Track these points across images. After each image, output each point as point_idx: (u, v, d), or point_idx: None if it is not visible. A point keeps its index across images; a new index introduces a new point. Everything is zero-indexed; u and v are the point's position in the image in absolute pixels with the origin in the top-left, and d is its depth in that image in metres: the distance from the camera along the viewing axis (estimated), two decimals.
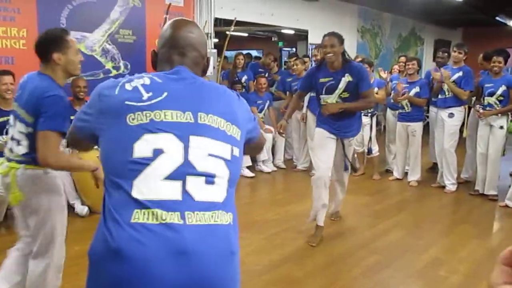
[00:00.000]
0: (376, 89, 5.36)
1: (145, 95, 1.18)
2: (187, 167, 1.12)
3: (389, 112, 5.83)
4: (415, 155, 5.28)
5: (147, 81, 1.22)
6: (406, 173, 5.48)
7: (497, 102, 4.59)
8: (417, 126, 5.20)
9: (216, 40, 6.37)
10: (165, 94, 1.19)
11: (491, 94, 4.62)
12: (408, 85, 5.17)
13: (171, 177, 1.11)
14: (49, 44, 2.03)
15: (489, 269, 2.42)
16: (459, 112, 4.95)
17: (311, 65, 5.74)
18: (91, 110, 1.25)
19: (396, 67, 6.30)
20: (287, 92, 6.02)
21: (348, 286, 2.82)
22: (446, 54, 5.33)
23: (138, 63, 4.99)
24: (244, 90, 5.97)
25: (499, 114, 4.61)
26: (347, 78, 3.30)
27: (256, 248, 3.33)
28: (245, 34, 11.23)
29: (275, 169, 5.87)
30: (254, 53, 10.29)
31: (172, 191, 1.10)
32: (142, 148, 1.13)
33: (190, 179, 1.12)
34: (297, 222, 3.94)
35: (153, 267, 1.05)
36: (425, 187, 5.24)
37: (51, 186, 2.12)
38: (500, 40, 9.52)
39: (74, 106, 4.13)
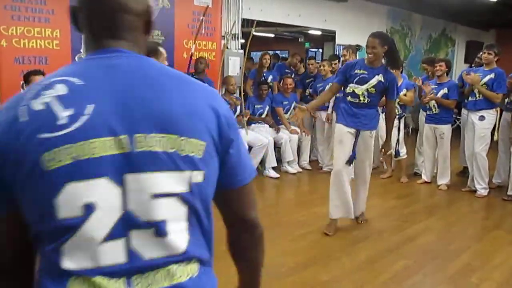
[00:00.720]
0: (404, 91, 5.26)
1: (63, 116, 0.79)
2: (128, 219, 0.82)
3: (421, 114, 5.70)
4: (443, 158, 5.15)
5: (63, 89, 0.82)
6: (434, 177, 5.35)
7: None
8: (445, 129, 5.07)
9: (243, 40, 6.38)
10: (91, 108, 0.81)
11: None
12: (436, 86, 5.06)
13: (110, 237, 0.82)
14: (148, 52, 2.32)
15: None
16: (490, 115, 4.80)
17: (340, 66, 5.69)
18: None
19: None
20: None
21: None
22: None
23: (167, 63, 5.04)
24: (270, 90, 5.97)
25: None
26: (379, 77, 3.51)
27: (281, 250, 3.31)
28: (272, 35, 11.23)
29: (300, 170, 5.82)
30: (281, 54, 10.29)
31: (113, 254, 0.82)
32: (67, 205, 0.79)
33: (134, 234, 0.83)
34: (323, 224, 3.89)
35: None
36: (455, 191, 5.11)
37: None
38: None
39: None
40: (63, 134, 0.78)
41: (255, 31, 5.61)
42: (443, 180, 5.18)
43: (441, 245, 3.53)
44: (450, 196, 4.99)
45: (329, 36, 8.02)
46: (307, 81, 6.31)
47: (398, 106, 5.32)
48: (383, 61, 3.60)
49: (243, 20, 6.02)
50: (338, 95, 4.46)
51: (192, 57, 4.82)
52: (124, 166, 0.81)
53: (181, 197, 0.85)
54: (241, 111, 5.43)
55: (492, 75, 4.71)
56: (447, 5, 8.05)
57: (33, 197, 0.80)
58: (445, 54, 10.60)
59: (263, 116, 5.81)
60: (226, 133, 0.91)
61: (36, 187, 0.79)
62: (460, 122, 5.91)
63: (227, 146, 0.92)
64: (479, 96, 4.80)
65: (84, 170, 0.79)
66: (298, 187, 5.55)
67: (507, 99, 5.07)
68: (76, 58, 4.40)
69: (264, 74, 6.12)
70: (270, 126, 5.79)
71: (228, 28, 5.74)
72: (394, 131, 5.32)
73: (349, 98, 3.60)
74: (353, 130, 3.60)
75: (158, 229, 0.84)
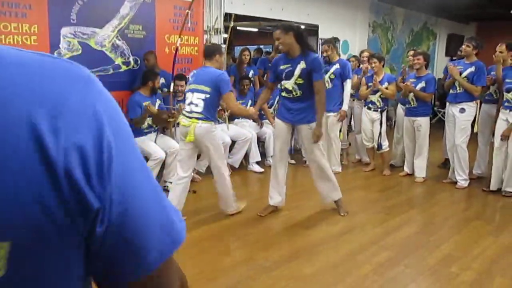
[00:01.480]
0: (386, 84, 5.31)
1: None
2: None
3: (399, 108, 5.77)
4: (420, 150, 5.22)
5: None
6: None
7: None
8: (423, 121, 5.14)
9: (226, 35, 6.34)
10: None
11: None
12: (415, 80, 5.11)
13: None
14: (215, 49, 3.71)
15: (503, 266, 2.38)
16: (470, 107, 4.88)
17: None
18: None
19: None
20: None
21: (358, 283, 2.79)
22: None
23: None
24: (252, 85, 5.96)
25: None
26: (302, 65, 3.56)
27: (265, 244, 3.32)
28: (255, 30, 11.19)
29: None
30: (265, 48, 10.25)
31: None
32: None
33: None
34: (307, 218, 3.92)
35: None
36: (437, 182, 5.19)
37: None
38: None
39: None
40: None
41: (238, 26, 5.59)
42: (420, 173, 5.25)
43: (422, 236, 3.58)
44: (431, 187, 5.06)
45: (312, 31, 8.04)
46: None
47: (380, 99, 5.37)
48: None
49: (226, 14, 5.99)
50: None
51: (178, 52, 4.75)
52: None
53: None
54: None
55: (472, 68, 4.78)
56: None
57: None
58: (426, 47, 10.72)
59: None
60: (91, 189, 0.46)
61: None
62: (442, 115, 6.00)
63: (93, 219, 0.47)
64: (459, 89, 4.86)
65: None
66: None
67: (488, 91, 5.16)
68: (55, 53, 4.33)
69: (246, 70, 6.11)
70: (254, 121, 5.78)
71: (211, 23, 5.70)
72: (376, 124, 5.40)
73: (283, 94, 3.75)
74: (289, 125, 3.78)
75: None
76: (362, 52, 6.08)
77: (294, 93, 3.66)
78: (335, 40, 5.47)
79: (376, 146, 5.51)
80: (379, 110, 5.40)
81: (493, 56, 4.90)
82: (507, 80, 4.62)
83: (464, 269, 2.98)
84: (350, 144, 6.67)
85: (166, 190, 4.57)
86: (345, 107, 5.24)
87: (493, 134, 4.90)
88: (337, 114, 5.24)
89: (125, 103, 4.77)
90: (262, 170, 5.49)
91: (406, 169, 5.47)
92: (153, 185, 0.54)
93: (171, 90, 4.56)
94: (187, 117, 3.62)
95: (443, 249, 3.31)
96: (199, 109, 3.57)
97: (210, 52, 3.66)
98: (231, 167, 5.47)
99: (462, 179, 4.97)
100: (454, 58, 5.86)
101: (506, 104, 4.60)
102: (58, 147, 0.43)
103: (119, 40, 4.84)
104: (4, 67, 0.44)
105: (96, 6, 4.61)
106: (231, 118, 5.56)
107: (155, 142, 4.56)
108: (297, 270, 2.93)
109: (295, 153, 6.12)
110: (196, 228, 3.66)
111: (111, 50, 4.80)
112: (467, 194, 4.86)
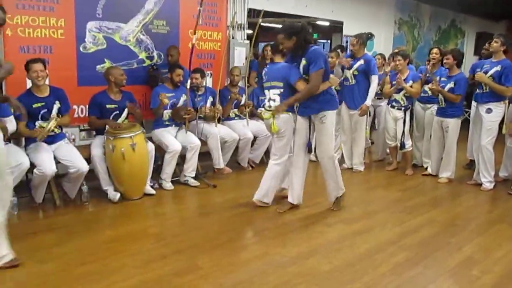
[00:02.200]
0: (410, 83, 5.21)
1: None
2: None
3: (417, 105, 5.61)
4: (448, 151, 5.11)
5: None
6: None
7: None
8: (451, 123, 4.99)
9: (250, 31, 6.34)
10: None
11: None
12: (446, 79, 4.99)
13: None
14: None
15: None
16: (497, 107, 4.73)
17: (346, 55, 5.63)
18: None
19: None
20: None
21: (375, 282, 2.76)
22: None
23: None
24: None
25: None
26: (303, 62, 3.65)
27: (282, 240, 3.32)
28: (279, 26, 11.15)
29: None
30: None
31: None
32: None
33: None
34: (326, 215, 3.90)
35: None
36: (461, 184, 5.08)
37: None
38: None
39: (109, 94, 4.22)
40: None
41: (263, 22, 5.57)
42: (445, 174, 5.14)
43: (443, 237, 3.51)
44: (455, 189, 4.95)
45: (337, 27, 7.95)
46: None
47: (404, 98, 5.28)
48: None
49: (250, 10, 5.99)
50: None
51: (194, 48, 4.76)
52: None
53: None
54: (244, 102, 5.42)
55: (498, 67, 4.62)
56: None
57: None
58: (454, 45, 10.50)
59: None
60: None
61: None
62: (469, 115, 5.85)
63: None
64: (486, 89, 4.73)
65: None
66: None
67: None
68: (81, 47, 4.42)
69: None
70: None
71: (233, 18, 5.71)
72: (400, 123, 5.31)
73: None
74: (307, 119, 3.86)
75: None
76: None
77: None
78: (369, 36, 5.32)
79: (399, 145, 5.43)
80: (403, 108, 5.31)
81: None
82: None
83: (486, 272, 2.91)
84: (373, 143, 6.59)
85: (187, 184, 4.62)
86: (368, 102, 5.16)
87: None
88: (359, 109, 5.18)
89: (147, 96, 4.84)
90: None
91: (430, 169, 5.37)
92: None
93: (188, 85, 4.58)
94: (268, 111, 3.82)
95: (464, 251, 3.24)
96: (277, 104, 3.75)
97: (278, 48, 3.89)
98: (253, 163, 5.49)
99: (487, 181, 4.84)
100: (481, 57, 5.66)
101: None
102: None
103: (143, 35, 4.90)
104: None
105: (121, 1, 4.69)
106: (252, 114, 5.57)
107: (175, 136, 4.61)
108: (314, 267, 2.92)
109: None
110: (214, 222, 3.69)
111: (135, 45, 4.87)
112: (491, 196, 4.73)
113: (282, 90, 3.76)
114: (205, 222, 3.73)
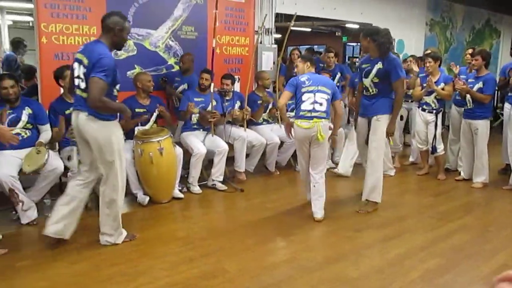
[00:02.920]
0: (442, 85, 5.08)
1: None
2: None
3: (453, 109, 5.49)
4: (479, 155, 4.94)
5: None
6: None
7: None
8: (480, 124, 4.84)
9: (279, 35, 6.34)
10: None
11: None
12: (473, 80, 4.85)
13: None
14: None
15: None
16: None
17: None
18: None
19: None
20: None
21: None
22: None
23: (200, 59, 5.09)
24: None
25: None
26: (379, 65, 3.85)
27: (309, 245, 3.30)
28: (308, 29, 11.11)
29: (333, 166, 5.74)
30: (318, 48, 10.17)
31: None
32: None
33: None
34: (354, 220, 3.85)
35: None
36: (496, 189, 4.91)
37: None
38: None
39: (138, 99, 4.31)
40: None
41: (291, 26, 5.56)
42: (479, 178, 4.98)
43: (476, 244, 3.40)
44: (489, 194, 4.80)
45: None
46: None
47: (435, 101, 5.15)
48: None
49: (277, 14, 5.99)
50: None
51: (214, 52, 4.77)
52: None
53: None
54: (274, 105, 5.42)
55: None
56: None
57: None
58: (489, 46, 10.17)
59: None
60: None
61: None
62: (503, 117, 5.66)
63: None
64: None
65: None
66: (330, 183, 5.47)
67: None
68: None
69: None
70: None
71: (261, 23, 5.73)
72: (431, 126, 5.18)
73: (364, 92, 4.08)
74: (366, 120, 4.09)
75: None
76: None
77: (370, 90, 3.97)
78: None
79: (430, 149, 5.30)
80: (434, 111, 5.18)
81: None
82: None
83: None
84: (405, 145, 6.45)
85: (215, 188, 4.65)
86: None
87: None
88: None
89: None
90: None
91: (463, 174, 5.22)
92: None
93: (212, 90, 4.62)
94: (307, 118, 3.76)
95: (498, 259, 3.13)
96: (323, 108, 3.78)
97: (312, 60, 4.09)
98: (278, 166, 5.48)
99: None
100: None
101: None
102: None
103: (172, 41, 4.99)
104: None
105: (151, 8, 4.77)
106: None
107: (203, 141, 4.66)
108: (341, 272, 2.88)
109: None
110: (241, 226, 3.70)
111: (165, 51, 4.95)
112: None
113: (329, 97, 3.82)
114: (232, 226, 3.75)
